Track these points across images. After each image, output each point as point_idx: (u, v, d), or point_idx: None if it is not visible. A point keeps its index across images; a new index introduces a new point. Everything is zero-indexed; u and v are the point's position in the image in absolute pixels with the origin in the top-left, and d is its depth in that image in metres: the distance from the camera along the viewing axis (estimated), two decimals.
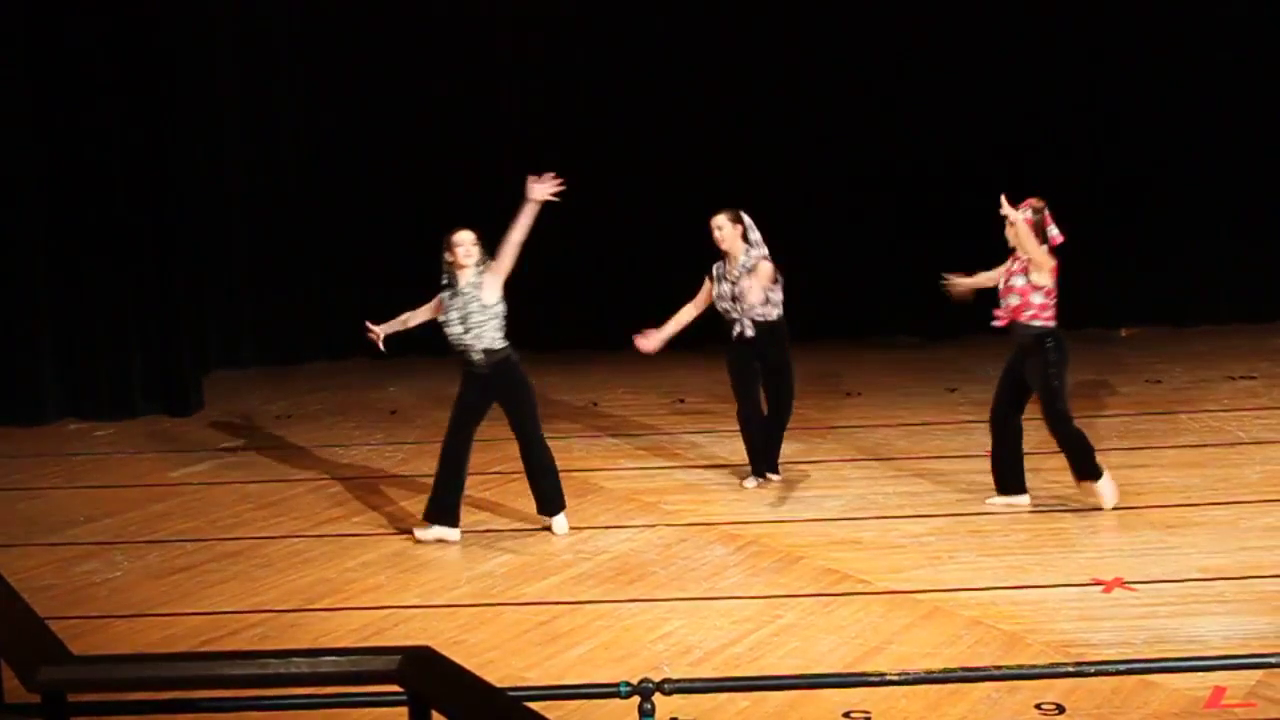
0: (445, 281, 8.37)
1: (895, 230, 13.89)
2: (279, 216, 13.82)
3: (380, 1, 13.87)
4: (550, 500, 8.69)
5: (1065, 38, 13.91)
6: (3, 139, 11.72)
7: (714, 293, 9.24)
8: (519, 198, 8.33)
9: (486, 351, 8.30)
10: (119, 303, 12.11)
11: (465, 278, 8.27)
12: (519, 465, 10.09)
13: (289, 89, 13.88)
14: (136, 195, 11.97)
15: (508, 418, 8.60)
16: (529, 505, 9.19)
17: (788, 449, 9.80)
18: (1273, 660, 6.30)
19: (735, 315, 9.17)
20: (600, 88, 14.13)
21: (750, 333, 9.18)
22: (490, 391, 8.46)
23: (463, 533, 8.65)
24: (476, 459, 10.02)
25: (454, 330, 8.29)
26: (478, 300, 8.24)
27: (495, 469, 10.03)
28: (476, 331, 8.26)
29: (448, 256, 8.31)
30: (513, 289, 13.81)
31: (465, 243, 8.27)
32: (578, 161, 14.06)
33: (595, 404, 12.06)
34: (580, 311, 14.09)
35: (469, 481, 9.27)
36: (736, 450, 10.00)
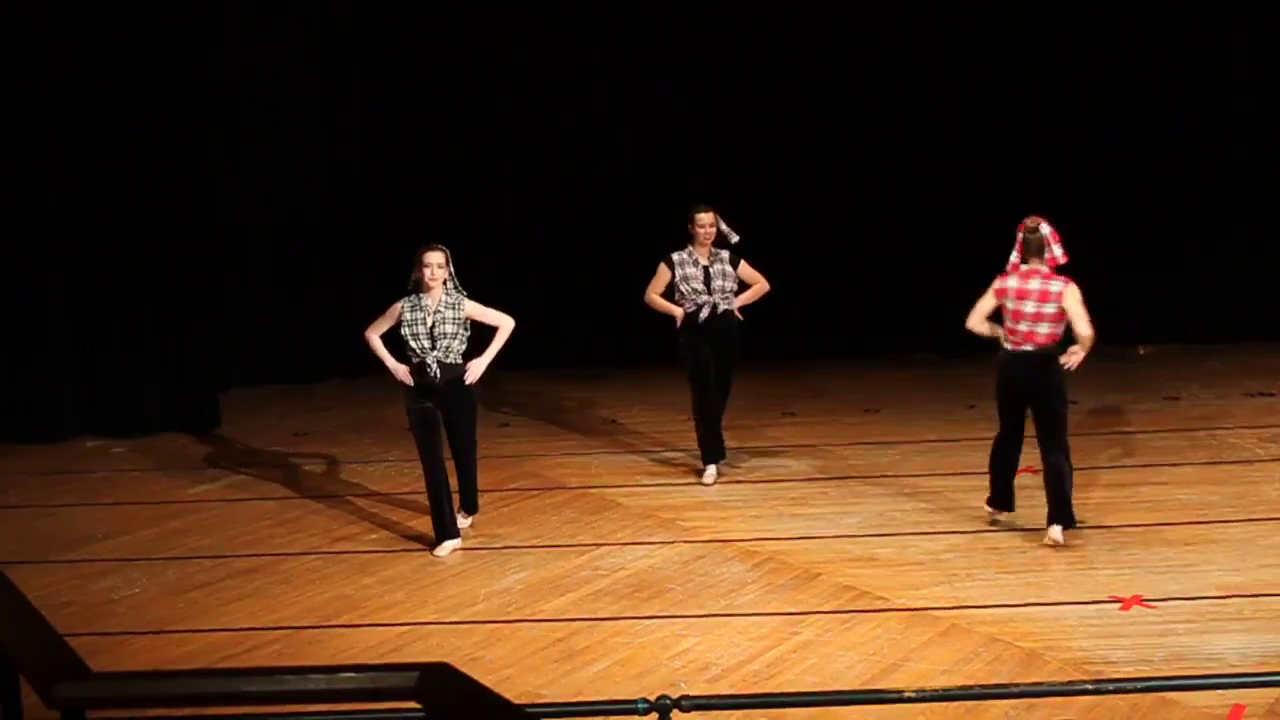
0: (411, 290, 8.51)
1: (912, 246, 13.89)
2: (296, 236, 13.87)
3: (401, 28, 13.93)
4: (446, 523, 8.74)
5: (1079, 53, 13.89)
6: (22, 158, 11.79)
7: (677, 276, 9.70)
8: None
9: (444, 365, 8.46)
10: (137, 320, 12.17)
11: (434, 296, 8.46)
12: (537, 482, 10.16)
13: (308, 112, 13.93)
14: (156, 215, 12.01)
15: (447, 430, 8.64)
16: (548, 522, 9.20)
17: (804, 465, 9.75)
18: None
19: (704, 299, 9.67)
20: (618, 109, 14.16)
21: (717, 311, 9.69)
22: (440, 402, 8.56)
23: (482, 550, 8.69)
24: (493, 476, 10.06)
25: (421, 343, 8.45)
26: (451, 319, 8.45)
27: (512, 486, 10.05)
28: (445, 344, 8.44)
29: (418, 273, 8.45)
30: (534, 307, 13.94)
31: (433, 264, 8.43)
32: (595, 180, 14.20)
33: (614, 420, 12.06)
34: (598, 329, 14.11)
35: (486, 499, 9.29)
36: (755, 467, 9.99)
